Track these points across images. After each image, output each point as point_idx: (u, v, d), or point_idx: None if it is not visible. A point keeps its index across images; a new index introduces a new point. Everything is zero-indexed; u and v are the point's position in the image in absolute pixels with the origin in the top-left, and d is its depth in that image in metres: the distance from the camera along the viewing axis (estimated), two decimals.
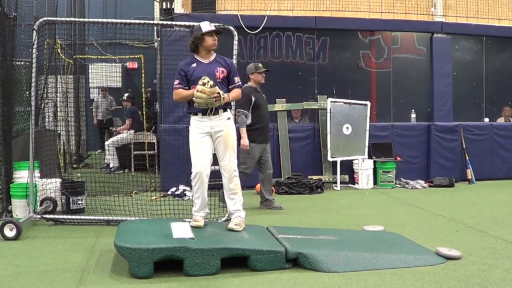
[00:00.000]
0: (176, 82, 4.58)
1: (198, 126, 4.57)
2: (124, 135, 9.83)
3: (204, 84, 4.33)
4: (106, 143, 9.89)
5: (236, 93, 4.67)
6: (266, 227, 4.79)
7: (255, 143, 6.28)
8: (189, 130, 4.63)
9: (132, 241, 3.82)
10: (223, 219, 5.37)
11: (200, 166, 4.51)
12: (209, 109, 4.51)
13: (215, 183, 7.28)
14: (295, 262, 3.96)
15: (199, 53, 4.64)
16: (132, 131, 9.81)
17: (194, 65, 4.56)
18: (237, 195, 4.66)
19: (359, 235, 4.85)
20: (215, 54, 4.68)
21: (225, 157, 4.60)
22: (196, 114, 4.57)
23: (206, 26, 4.58)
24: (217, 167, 5.52)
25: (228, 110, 4.69)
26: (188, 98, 4.52)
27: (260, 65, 6.46)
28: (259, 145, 6.34)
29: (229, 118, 4.65)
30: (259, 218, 5.82)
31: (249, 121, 6.29)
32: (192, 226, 4.42)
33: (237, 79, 4.69)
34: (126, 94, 10.84)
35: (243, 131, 6.18)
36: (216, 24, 4.93)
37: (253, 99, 6.28)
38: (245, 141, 6.16)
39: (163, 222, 4.62)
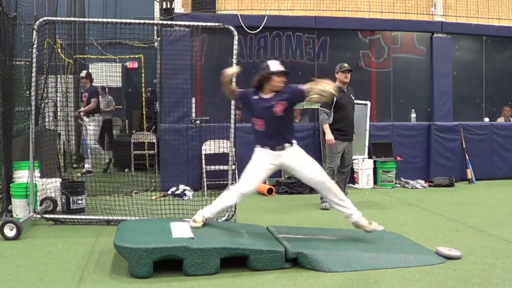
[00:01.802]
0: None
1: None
2: (94, 124, 9.15)
3: None
4: (91, 144, 9.12)
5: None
6: (266, 227, 4.79)
7: (337, 140, 6.47)
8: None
9: (131, 241, 3.82)
10: (223, 219, 5.37)
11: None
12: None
13: (215, 183, 7.32)
14: (295, 261, 3.97)
15: (263, 90, 4.39)
16: (99, 117, 9.29)
17: (256, 97, 4.41)
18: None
19: (359, 235, 4.84)
20: None
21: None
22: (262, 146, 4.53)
23: (276, 66, 4.37)
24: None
25: None
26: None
27: (345, 64, 6.57)
28: (341, 142, 6.51)
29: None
30: (259, 218, 5.82)
31: (331, 120, 6.50)
32: (191, 227, 4.37)
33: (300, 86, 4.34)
34: (84, 71, 9.85)
35: (326, 128, 6.47)
36: (216, 24, 4.93)
37: (335, 98, 6.31)
38: (328, 135, 6.43)
39: (163, 222, 4.62)
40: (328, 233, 4.81)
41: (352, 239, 4.57)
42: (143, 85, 9.95)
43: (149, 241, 3.80)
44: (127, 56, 11.96)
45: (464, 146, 8.78)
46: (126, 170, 9.52)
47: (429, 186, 8.37)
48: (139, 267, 3.66)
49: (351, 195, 7.03)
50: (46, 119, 8.47)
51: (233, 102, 5.52)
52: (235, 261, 3.88)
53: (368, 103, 8.56)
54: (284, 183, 7.75)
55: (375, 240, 4.58)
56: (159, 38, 9.31)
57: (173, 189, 7.36)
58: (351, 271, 3.85)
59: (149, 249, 3.68)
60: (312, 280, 3.67)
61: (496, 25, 9.26)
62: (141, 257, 3.66)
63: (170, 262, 3.79)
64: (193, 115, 8.01)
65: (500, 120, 9.59)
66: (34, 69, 5.39)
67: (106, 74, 11.33)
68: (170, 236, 3.99)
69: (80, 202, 5.92)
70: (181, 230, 4.15)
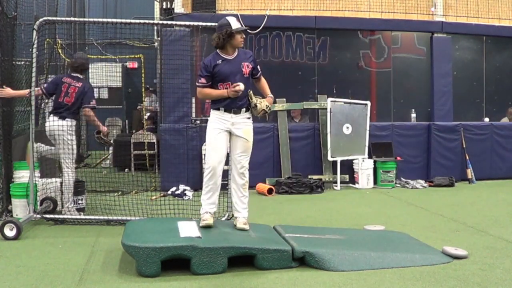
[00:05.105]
0: (202, 80, 4.48)
1: (217, 121, 4.50)
2: None
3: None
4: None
5: (266, 83, 4.72)
6: (273, 226, 4.79)
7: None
8: (208, 124, 4.54)
9: (139, 240, 3.83)
10: (223, 218, 5.37)
11: (214, 162, 4.44)
12: (233, 109, 4.48)
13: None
14: (301, 261, 3.97)
15: (225, 50, 4.49)
16: None
17: (220, 61, 4.46)
18: (246, 191, 4.61)
19: (365, 234, 4.85)
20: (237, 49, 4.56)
21: (241, 152, 4.53)
22: (218, 109, 4.50)
23: (236, 23, 4.45)
24: (225, 167, 5.32)
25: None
26: (218, 98, 4.45)
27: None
28: None
29: (249, 118, 4.58)
30: (259, 218, 5.82)
31: None
32: (202, 226, 4.30)
33: (259, 67, 4.69)
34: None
35: None
36: (216, 24, 4.92)
37: None
38: None
39: (170, 221, 4.63)
40: (334, 232, 4.80)
41: (359, 239, 4.58)
42: (143, 85, 9.94)
43: (157, 240, 3.80)
44: (127, 56, 11.94)
45: (464, 146, 8.78)
46: (126, 170, 9.52)
47: (429, 186, 8.37)
48: (147, 266, 3.67)
49: (352, 195, 7.05)
50: (46, 119, 8.44)
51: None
52: (242, 260, 3.88)
53: (368, 103, 8.55)
54: (284, 183, 7.74)
55: (381, 240, 4.59)
56: (159, 38, 9.31)
57: (173, 189, 7.36)
58: (358, 270, 3.85)
59: (157, 248, 3.69)
60: (312, 280, 3.67)
61: (496, 25, 9.26)
62: (149, 256, 3.67)
63: (177, 261, 3.79)
64: (193, 115, 8.01)
65: (504, 120, 9.58)
66: (34, 69, 5.39)
67: (106, 74, 11.34)
68: (177, 235, 4.00)
69: (80, 202, 5.91)
70: (188, 229, 4.15)
